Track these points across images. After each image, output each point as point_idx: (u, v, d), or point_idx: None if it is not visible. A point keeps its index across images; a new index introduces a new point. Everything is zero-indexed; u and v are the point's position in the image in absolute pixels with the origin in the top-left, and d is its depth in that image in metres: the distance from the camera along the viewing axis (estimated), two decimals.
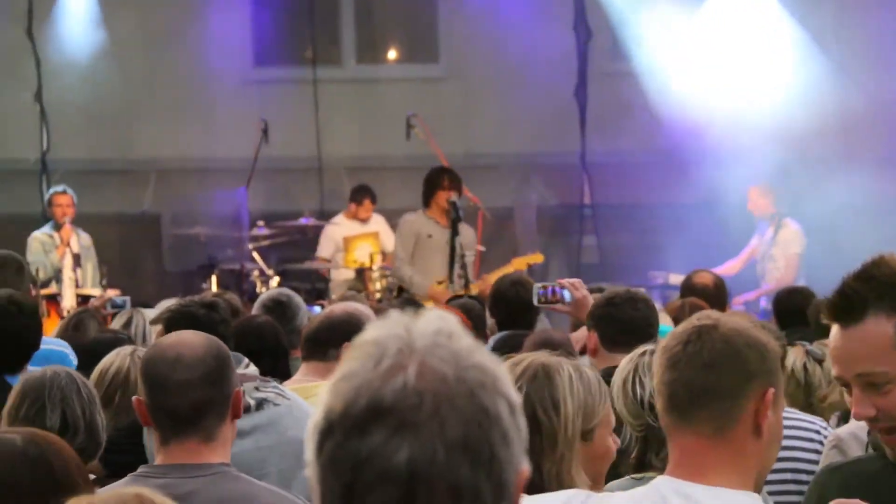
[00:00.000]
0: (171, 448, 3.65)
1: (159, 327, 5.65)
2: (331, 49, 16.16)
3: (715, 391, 2.88)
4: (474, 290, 11.14)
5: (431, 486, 1.67)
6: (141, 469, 3.70)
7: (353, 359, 1.75)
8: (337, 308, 5.91)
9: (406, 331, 1.75)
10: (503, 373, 1.76)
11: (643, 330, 5.42)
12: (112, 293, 10.97)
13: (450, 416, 1.69)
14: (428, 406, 1.69)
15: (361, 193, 13.86)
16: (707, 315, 3.04)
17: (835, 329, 3.10)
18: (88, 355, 6.20)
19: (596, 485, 3.50)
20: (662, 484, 2.93)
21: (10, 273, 7.45)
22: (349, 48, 16.24)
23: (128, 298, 9.13)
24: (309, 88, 15.52)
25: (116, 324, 7.56)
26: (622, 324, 5.53)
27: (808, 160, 13.85)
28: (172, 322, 5.40)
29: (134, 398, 3.76)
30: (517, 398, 1.75)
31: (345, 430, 1.70)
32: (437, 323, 1.76)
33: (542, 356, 3.56)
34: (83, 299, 11.70)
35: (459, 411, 1.69)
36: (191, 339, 3.71)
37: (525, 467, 1.75)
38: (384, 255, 13.45)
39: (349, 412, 1.70)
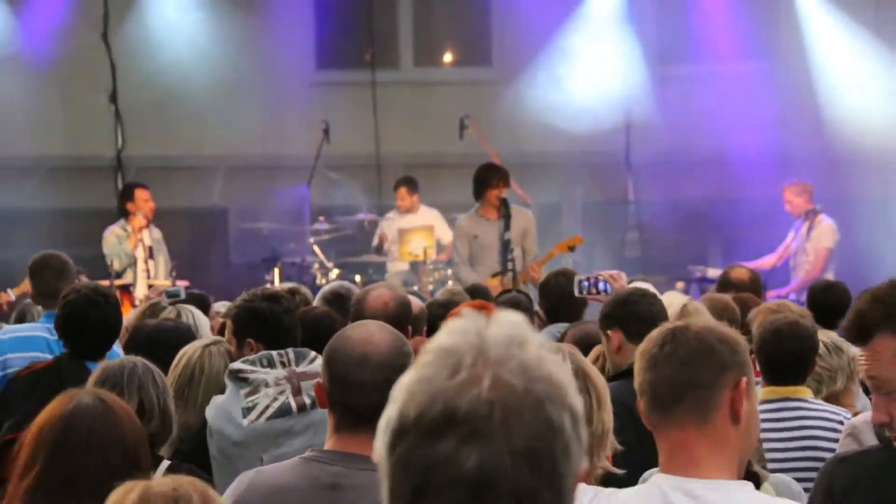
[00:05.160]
0: (344, 436, 3.59)
1: (228, 322, 5.72)
2: (389, 52, 16.71)
3: (693, 384, 3.06)
4: (521, 280, 11.53)
5: (497, 492, 1.73)
6: (310, 452, 3.65)
7: (429, 364, 1.80)
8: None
9: (479, 338, 1.79)
10: (569, 381, 1.81)
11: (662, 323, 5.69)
12: (182, 284, 11.03)
13: (517, 427, 1.74)
14: (498, 417, 1.74)
15: (398, 184, 14.38)
16: (680, 319, 3.33)
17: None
18: (148, 341, 6.00)
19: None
20: (662, 481, 3.09)
21: (50, 274, 7.69)
22: (407, 51, 16.84)
23: (181, 288, 9.10)
24: (368, 90, 16.13)
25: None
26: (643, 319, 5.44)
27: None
28: (239, 318, 5.53)
29: (315, 382, 3.76)
30: (580, 407, 1.81)
31: (419, 434, 1.77)
32: (510, 330, 1.81)
33: None
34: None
35: (526, 423, 1.75)
36: (378, 338, 3.62)
37: (582, 467, 1.82)
38: (438, 248, 13.93)
39: (424, 417, 1.77)
